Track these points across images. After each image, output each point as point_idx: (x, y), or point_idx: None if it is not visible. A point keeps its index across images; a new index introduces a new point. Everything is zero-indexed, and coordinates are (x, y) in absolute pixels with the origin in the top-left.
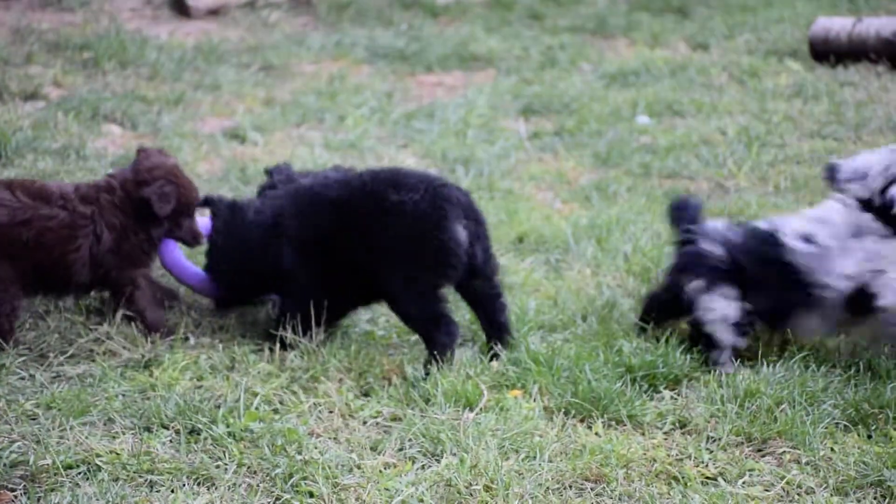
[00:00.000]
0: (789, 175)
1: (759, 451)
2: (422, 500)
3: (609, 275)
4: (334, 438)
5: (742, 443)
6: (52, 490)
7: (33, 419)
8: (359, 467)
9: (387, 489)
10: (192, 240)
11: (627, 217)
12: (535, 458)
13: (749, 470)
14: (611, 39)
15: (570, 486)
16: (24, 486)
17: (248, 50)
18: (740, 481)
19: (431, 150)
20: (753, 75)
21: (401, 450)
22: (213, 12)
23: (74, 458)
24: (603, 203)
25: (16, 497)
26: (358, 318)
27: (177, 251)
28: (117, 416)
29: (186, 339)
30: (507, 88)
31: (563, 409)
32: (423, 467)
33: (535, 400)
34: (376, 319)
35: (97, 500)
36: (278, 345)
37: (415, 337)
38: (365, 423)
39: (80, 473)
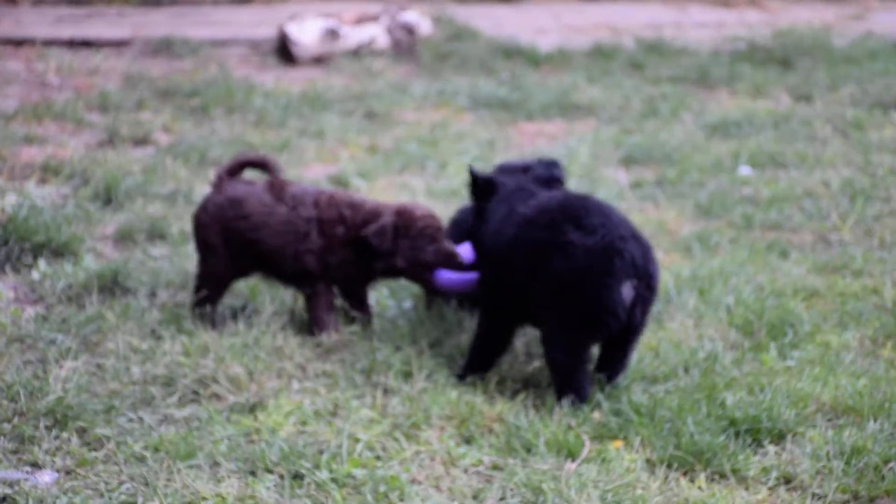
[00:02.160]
0: (894, 230)
1: None
2: None
3: (711, 327)
4: (436, 486)
5: (849, 500)
6: None
7: (141, 461)
8: None
9: None
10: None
11: (729, 269)
12: None
13: None
14: (713, 90)
15: None
16: None
17: (352, 97)
18: None
19: None
20: (858, 127)
21: (502, 499)
22: (318, 60)
23: (181, 500)
24: (705, 254)
25: None
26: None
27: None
28: (223, 460)
29: (290, 384)
30: (608, 138)
31: (665, 462)
32: None
33: (637, 452)
34: None
35: None
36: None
37: (517, 385)
38: (466, 471)
39: None
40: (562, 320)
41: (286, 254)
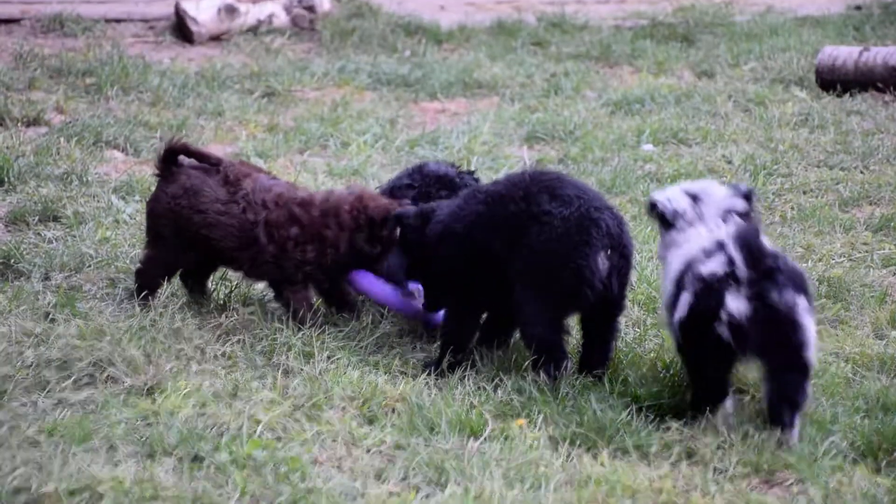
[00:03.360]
0: (796, 205)
1: (767, 482)
2: None
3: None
4: (338, 467)
5: (749, 474)
6: None
7: (35, 446)
8: (363, 496)
9: None
10: None
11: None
12: (539, 487)
13: (756, 502)
14: (615, 67)
15: None
16: None
17: (251, 76)
18: None
19: None
20: (759, 104)
21: (405, 479)
22: (216, 38)
23: (77, 485)
24: None
25: None
26: (363, 344)
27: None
28: (120, 443)
29: (189, 366)
30: (510, 115)
31: (568, 439)
32: (427, 496)
33: (539, 429)
34: (380, 346)
35: None
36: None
37: (418, 364)
38: (369, 451)
39: (82, 500)
40: (539, 292)
41: (242, 258)
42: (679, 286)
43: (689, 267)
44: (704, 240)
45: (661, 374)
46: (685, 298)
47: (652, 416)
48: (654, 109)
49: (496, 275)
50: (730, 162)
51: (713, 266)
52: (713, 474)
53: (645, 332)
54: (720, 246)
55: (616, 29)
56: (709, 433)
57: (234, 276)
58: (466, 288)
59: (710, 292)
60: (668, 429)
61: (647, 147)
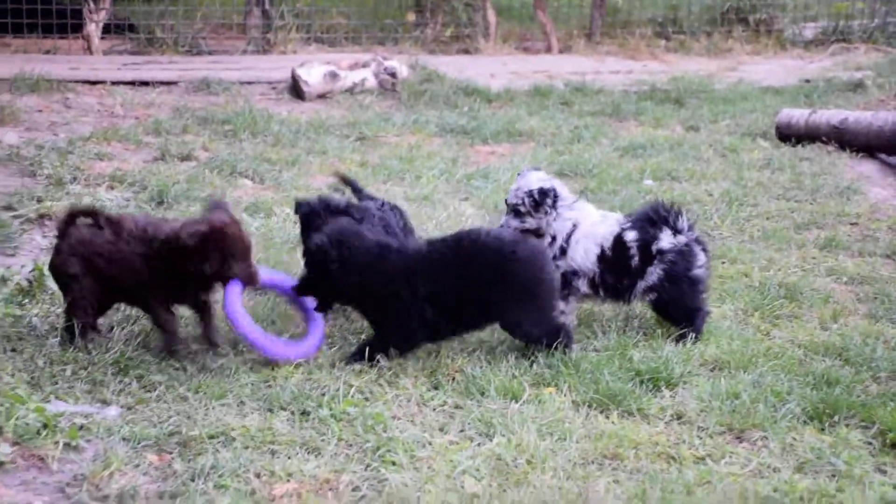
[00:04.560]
0: (761, 227)
1: (739, 438)
2: (478, 470)
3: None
4: (411, 421)
5: (725, 432)
6: (199, 454)
7: (185, 400)
8: (430, 444)
9: (451, 461)
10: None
11: None
12: (565, 439)
13: (730, 453)
14: (623, 121)
15: (593, 462)
16: (179, 450)
17: (348, 125)
18: (723, 461)
19: (486, 203)
20: (732, 151)
21: (462, 431)
22: (322, 96)
23: (215, 430)
24: None
25: (172, 458)
26: None
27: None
28: (247, 400)
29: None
30: (544, 157)
31: (587, 403)
32: (479, 445)
33: (565, 395)
34: None
35: (232, 462)
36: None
37: (472, 345)
38: (434, 409)
39: (219, 442)
40: (529, 308)
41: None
42: None
43: None
44: None
45: (657, 355)
46: None
47: (650, 387)
48: (653, 154)
49: None
50: (711, 195)
51: None
52: (697, 431)
53: (645, 323)
54: None
55: (624, 93)
56: (693, 400)
57: None
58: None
59: None
60: (663, 396)
61: (648, 182)
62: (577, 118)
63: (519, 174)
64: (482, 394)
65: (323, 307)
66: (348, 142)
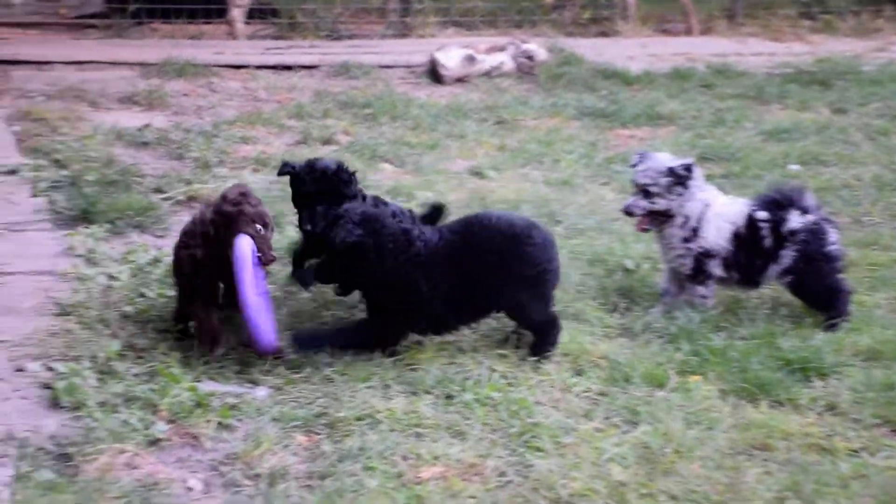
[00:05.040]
0: None
1: (895, 431)
2: (625, 458)
3: (769, 287)
4: (555, 407)
5: (881, 424)
6: (346, 436)
7: (331, 382)
8: (574, 430)
9: (597, 448)
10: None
11: None
12: (712, 429)
13: (887, 446)
14: (767, 104)
15: (742, 453)
16: (327, 431)
17: (486, 108)
18: (880, 454)
19: (626, 187)
20: (883, 134)
21: (607, 418)
22: (460, 80)
23: (361, 412)
24: None
25: (320, 439)
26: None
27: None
28: (392, 383)
29: None
30: (684, 141)
31: (734, 392)
32: (624, 433)
33: (712, 384)
34: (585, 315)
35: (379, 445)
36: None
37: (615, 331)
38: (578, 396)
39: (366, 424)
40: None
41: None
42: None
43: None
44: None
45: (807, 343)
46: None
47: (800, 376)
48: (798, 137)
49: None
50: (860, 180)
51: None
52: (850, 422)
53: (792, 311)
54: None
55: (768, 75)
56: (846, 391)
57: None
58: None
59: None
60: (814, 386)
61: (794, 166)
62: (718, 101)
63: (639, 155)
64: (627, 381)
65: (345, 292)
66: (486, 125)
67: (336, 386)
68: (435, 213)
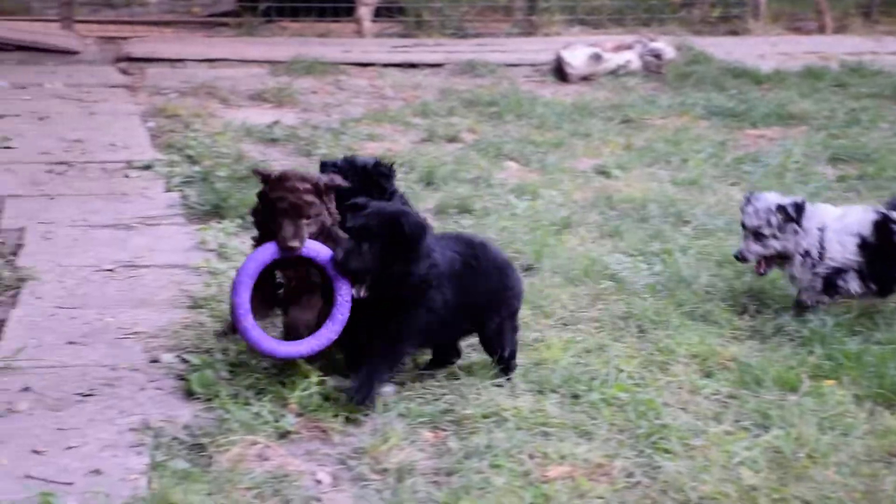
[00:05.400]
0: None
1: None
2: (756, 462)
3: None
4: (683, 409)
5: None
6: (473, 433)
7: (456, 378)
8: (704, 432)
9: (727, 451)
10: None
11: None
12: (847, 435)
13: None
14: None
15: (879, 460)
16: (453, 428)
17: (612, 107)
18: None
19: (756, 188)
20: None
21: (737, 421)
22: (585, 79)
23: (488, 410)
24: None
25: (447, 436)
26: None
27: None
28: (518, 381)
29: (565, 327)
30: (817, 141)
31: (871, 398)
32: (755, 436)
33: (846, 389)
34: (713, 317)
35: (505, 443)
36: None
37: (745, 333)
38: (707, 398)
39: (492, 422)
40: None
41: None
42: None
43: None
44: None
45: None
46: None
47: None
48: None
49: None
50: None
51: None
52: None
53: None
54: None
55: None
56: None
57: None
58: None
59: None
60: None
61: None
62: (853, 100)
63: (746, 197)
64: (758, 384)
65: (371, 290)
66: (612, 124)
67: (461, 383)
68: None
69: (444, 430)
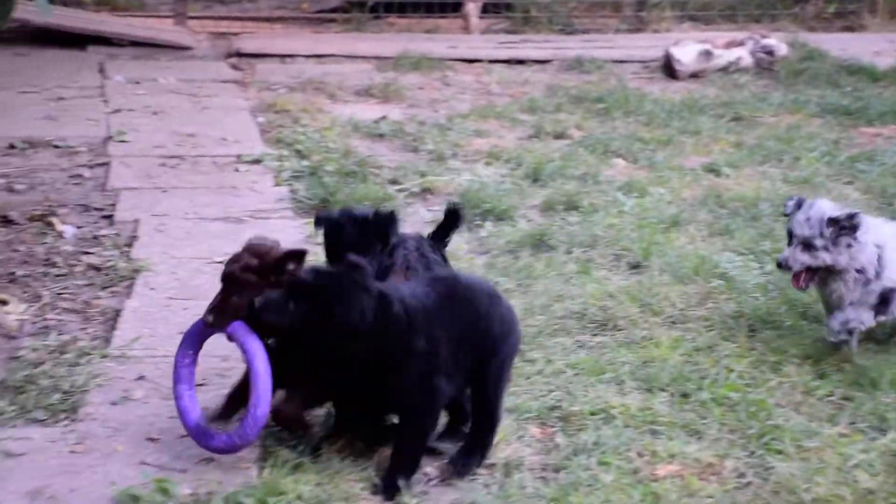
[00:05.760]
0: None
1: None
2: (872, 465)
3: None
4: (796, 410)
5: None
6: (580, 430)
7: (563, 375)
8: (817, 434)
9: (842, 454)
10: None
11: None
12: None
13: None
14: None
15: None
16: (561, 425)
17: (722, 104)
18: None
19: (871, 187)
20: None
21: (852, 423)
22: (695, 75)
23: (595, 407)
24: None
25: (554, 433)
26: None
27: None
28: (626, 379)
29: (674, 324)
30: None
31: None
32: (871, 439)
33: None
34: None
35: (613, 440)
36: None
37: (861, 335)
38: (820, 399)
39: (600, 419)
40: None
41: None
42: None
43: None
44: None
45: None
46: None
47: None
48: None
49: None
50: None
51: None
52: None
53: None
54: None
55: None
56: None
57: None
58: None
59: None
60: None
61: None
62: None
63: (793, 202)
64: (873, 386)
65: None
66: (722, 122)
67: (569, 380)
68: (450, 219)
69: (552, 426)
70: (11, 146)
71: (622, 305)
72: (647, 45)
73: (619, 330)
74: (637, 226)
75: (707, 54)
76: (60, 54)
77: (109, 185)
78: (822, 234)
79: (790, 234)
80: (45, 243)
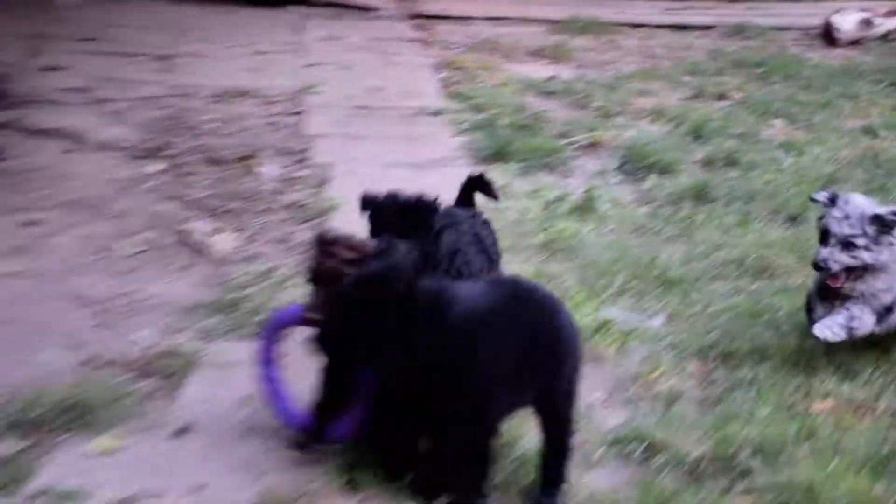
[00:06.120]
0: None
1: None
2: None
3: None
4: None
5: None
6: (738, 367)
7: (721, 316)
8: None
9: None
10: None
11: None
12: None
13: None
14: None
15: None
16: (719, 361)
17: (881, 70)
18: None
19: None
20: None
21: None
22: (854, 43)
23: (753, 346)
24: None
25: (713, 368)
26: None
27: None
28: (782, 322)
29: None
30: None
31: None
32: None
33: None
34: None
35: (770, 378)
36: None
37: None
38: None
39: (757, 357)
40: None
41: None
42: None
43: None
44: None
45: None
46: None
47: None
48: None
49: None
50: None
51: None
52: None
53: None
54: None
55: None
56: None
57: None
58: None
59: None
60: None
61: None
62: None
63: (828, 196)
64: None
65: None
66: (881, 87)
67: (727, 320)
68: (472, 185)
69: (711, 362)
70: (218, 95)
71: (779, 256)
72: (807, 14)
73: (776, 277)
74: (794, 182)
75: (867, 22)
76: (263, 13)
77: (304, 132)
78: (864, 233)
79: (825, 232)
80: (249, 182)
